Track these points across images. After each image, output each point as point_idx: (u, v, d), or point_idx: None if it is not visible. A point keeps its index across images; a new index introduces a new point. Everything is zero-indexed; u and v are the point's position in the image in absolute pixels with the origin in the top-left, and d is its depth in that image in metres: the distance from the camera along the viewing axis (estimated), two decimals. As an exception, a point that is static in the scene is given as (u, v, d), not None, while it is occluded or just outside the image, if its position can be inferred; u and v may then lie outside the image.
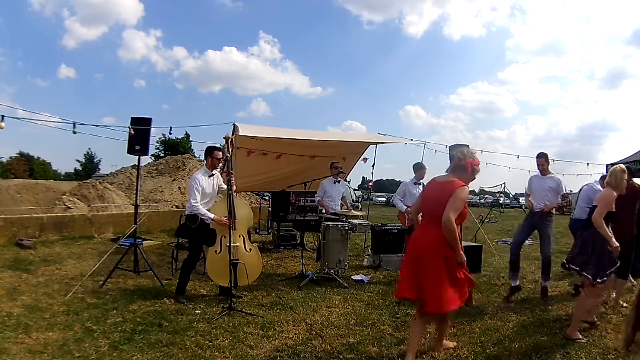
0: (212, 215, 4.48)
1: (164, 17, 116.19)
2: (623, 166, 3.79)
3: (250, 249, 4.71)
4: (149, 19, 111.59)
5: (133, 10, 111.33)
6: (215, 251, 4.50)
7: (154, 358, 3.07)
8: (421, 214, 3.32)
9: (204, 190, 4.61)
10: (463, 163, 3.09)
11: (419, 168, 6.18)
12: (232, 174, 4.50)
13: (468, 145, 7.48)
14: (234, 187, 4.59)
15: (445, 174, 3.19)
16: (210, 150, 4.79)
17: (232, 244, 4.40)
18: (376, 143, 7.55)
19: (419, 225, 3.32)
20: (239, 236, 4.60)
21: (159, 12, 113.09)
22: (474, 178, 3.21)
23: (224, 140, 4.65)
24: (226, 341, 3.40)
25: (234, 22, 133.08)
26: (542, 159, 5.04)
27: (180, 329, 3.62)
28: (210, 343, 3.36)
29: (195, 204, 4.47)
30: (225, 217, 4.47)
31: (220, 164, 4.85)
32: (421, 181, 6.06)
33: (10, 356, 2.99)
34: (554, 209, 5.00)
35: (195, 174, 4.75)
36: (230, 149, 4.66)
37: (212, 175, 4.76)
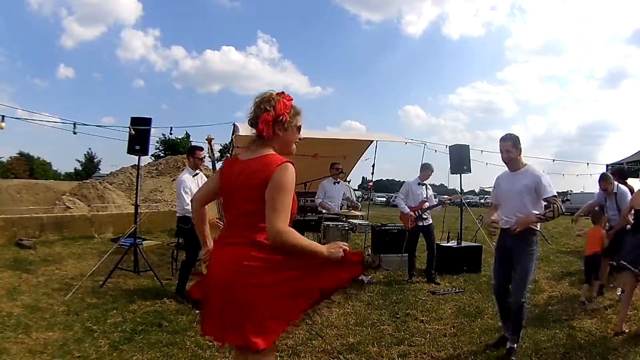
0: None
1: (163, 17, 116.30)
2: None
3: None
4: (148, 18, 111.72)
5: (132, 10, 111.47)
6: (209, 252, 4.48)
7: (154, 358, 3.07)
8: None
9: (192, 191, 4.63)
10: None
11: (425, 168, 6.04)
12: None
13: (468, 146, 7.52)
14: None
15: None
16: (192, 150, 4.88)
17: None
18: (376, 140, 7.56)
19: None
20: None
21: (158, 11, 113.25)
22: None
23: (206, 142, 4.71)
24: (226, 341, 3.40)
25: (232, 22, 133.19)
26: (509, 143, 3.21)
27: (180, 329, 3.62)
28: (210, 343, 3.35)
29: (188, 207, 4.46)
30: (217, 219, 4.46)
31: (202, 164, 4.91)
32: (425, 182, 6.04)
33: (10, 356, 2.99)
34: (534, 224, 3.20)
35: (180, 176, 4.81)
36: (212, 150, 4.75)
37: (196, 174, 4.82)
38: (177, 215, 4.75)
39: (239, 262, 1.72)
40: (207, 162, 5.32)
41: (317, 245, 1.81)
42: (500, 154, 3.31)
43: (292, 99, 1.88)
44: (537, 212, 3.14)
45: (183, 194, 4.57)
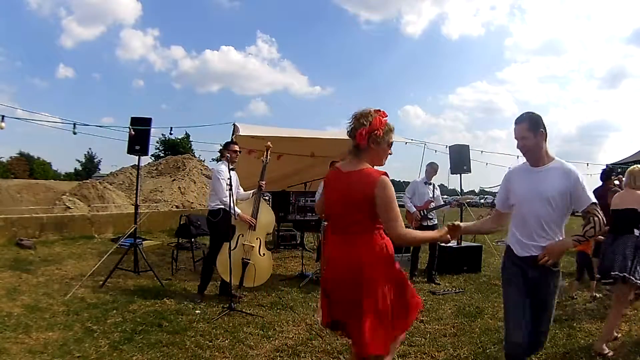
0: (238, 211, 4.50)
1: (162, 17, 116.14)
2: None
3: (264, 254, 4.74)
4: (147, 18, 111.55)
5: (131, 10, 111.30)
6: (230, 247, 4.51)
7: (154, 358, 3.07)
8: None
9: (229, 182, 4.58)
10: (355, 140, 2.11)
11: (429, 166, 6.08)
12: (262, 182, 4.71)
13: (468, 146, 7.51)
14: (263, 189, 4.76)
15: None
16: (227, 144, 4.87)
17: (247, 243, 4.51)
18: None
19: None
20: (256, 238, 4.64)
21: (157, 11, 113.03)
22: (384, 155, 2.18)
23: (265, 148, 4.81)
24: (226, 341, 3.40)
25: (231, 22, 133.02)
26: (524, 126, 2.29)
27: (180, 329, 3.62)
28: (210, 343, 3.36)
29: (226, 197, 4.41)
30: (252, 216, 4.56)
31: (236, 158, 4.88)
32: (432, 181, 6.04)
33: (10, 356, 2.99)
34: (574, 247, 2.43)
35: (217, 166, 4.79)
36: (268, 156, 4.84)
37: (233, 169, 4.76)
38: (209, 208, 4.68)
39: (351, 262, 2.01)
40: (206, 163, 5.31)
41: (430, 234, 2.32)
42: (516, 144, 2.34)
43: (387, 116, 2.12)
44: (576, 235, 2.25)
45: (222, 183, 4.48)
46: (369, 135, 2.05)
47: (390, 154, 2.19)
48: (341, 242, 2.09)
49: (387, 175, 2.03)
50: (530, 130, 2.28)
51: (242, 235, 4.55)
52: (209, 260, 4.64)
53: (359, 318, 1.97)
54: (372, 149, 2.09)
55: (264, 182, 4.72)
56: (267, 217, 4.83)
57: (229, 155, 4.73)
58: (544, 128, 2.30)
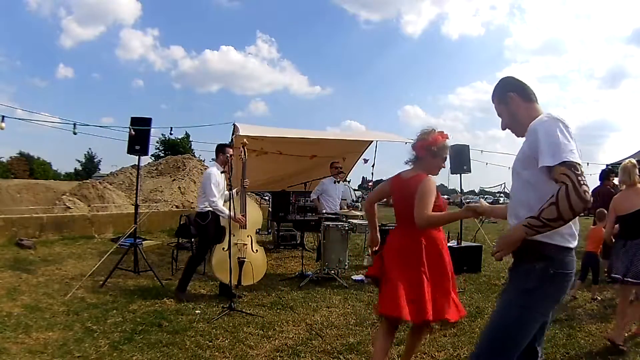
0: (227, 211, 4.51)
1: (161, 17, 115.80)
2: (634, 161, 3.48)
3: (256, 250, 4.78)
4: (146, 18, 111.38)
5: (130, 10, 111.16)
6: (223, 248, 4.52)
7: (154, 358, 3.07)
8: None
9: (219, 186, 4.67)
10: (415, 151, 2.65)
11: None
12: (246, 180, 4.70)
13: (468, 146, 7.51)
14: (247, 187, 4.77)
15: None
16: (223, 148, 4.88)
17: (240, 242, 4.53)
18: (376, 140, 7.55)
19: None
20: (247, 236, 4.67)
21: (157, 11, 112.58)
22: (440, 162, 2.62)
23: (241, 145, 4.73)
24: (226, 341, 3.40)
25: (230, 22, 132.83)
26: (494, 101, 1.97)
27: (180, 329, 3.62)
28: (210, 343, 3.36)
29: (215, 199, 4.52)
30: (241, 215, 4.60)
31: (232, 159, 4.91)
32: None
33: (10, 356, 2.99)
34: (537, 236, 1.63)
35: (208, 170, 4.80)
36: (245, 154, 4.77)
37: (224, 171, 4.81)
38: (197, 210, 4.71)
39: (407, 246, 2.50)
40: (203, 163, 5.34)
41: (454, 214, 2.43)
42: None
43: (446, 137, 2.61)
44: (529, 217, 1.58)
45: (212, 187, 4.54)
46: (426, 148, 2.54)
47: (443, 167, 2.64)
48: (404, 234, 2.57)
49: (433, 180, 2.48)
50: (501, 102, 1.90)
51: (234, 235, 4.55)
52: (194, 261, 4.65)
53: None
54: (428, 160, 2.57)
55: (247, 180, 4.73)
56: (255, 213, 4.85)
57: (222, 158, 4.76)
58: (516, 89, 1.85)
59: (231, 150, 4.87)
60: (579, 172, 1.50)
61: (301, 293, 4.94)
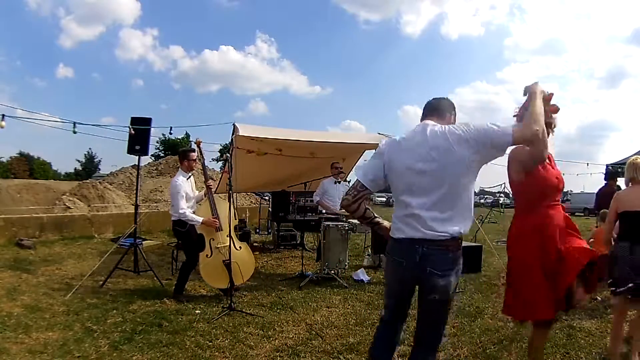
0: (200, 219, 4.51)
1: (161, 16, 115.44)
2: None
3: (240, 247, 4.72)
4: (146, 18, 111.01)
5: (130, 10, 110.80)
6: (207, 255, 4.51)
7: (154, 358, 3.07)
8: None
9: (187, 195, 4.64)
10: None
11: None
12: (211, 178, 4.70)
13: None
14: (212, 189, 4.77)
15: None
16: (186, 153, 4.83)
17: (221, 245, 4.48)
18: (376, 145, 7.53)
19: None
20: (227, 236, 4.57)
21: (156, 11, 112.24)
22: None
23: (197, 144, 4.74)
24: (226, 341, 3.40)
25: (230, 22, 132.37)
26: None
27: (180, 329, 3.62)
28: (210, 343, 3.36)
29: (184, 210, 4.49)
30: (213, 217, 4.55)
31: (196, 165, 4.90)
32: None
33: (10, 356, 2.99)
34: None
35: (174, 179, 4.73)
36: (202, 153, 4.80)
37: (189, 177, 4.80)
38: (173, 219, 4.68)
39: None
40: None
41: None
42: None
43: None
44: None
45: (179, 198, 4.53)
46: None
47: None
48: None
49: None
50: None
51: (213, 239, 4.53)
52: (186, 267, 4.62)
53: None
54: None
55: (210, 183, 4.73)
56: (224, 209, 4.71)
57: (187, 164, 4.76)
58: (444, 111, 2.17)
59: (194, 154, 4.79)
60: (352, 186, 2.19)
61: (301, 293, 4.94)
